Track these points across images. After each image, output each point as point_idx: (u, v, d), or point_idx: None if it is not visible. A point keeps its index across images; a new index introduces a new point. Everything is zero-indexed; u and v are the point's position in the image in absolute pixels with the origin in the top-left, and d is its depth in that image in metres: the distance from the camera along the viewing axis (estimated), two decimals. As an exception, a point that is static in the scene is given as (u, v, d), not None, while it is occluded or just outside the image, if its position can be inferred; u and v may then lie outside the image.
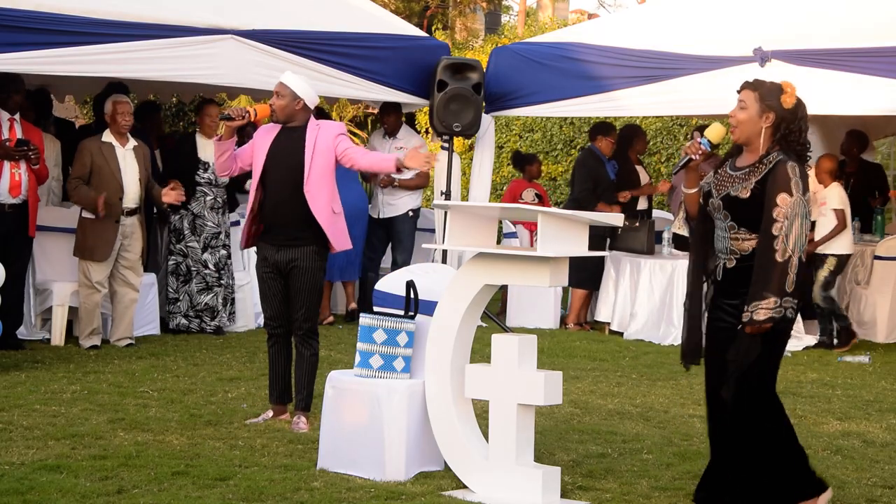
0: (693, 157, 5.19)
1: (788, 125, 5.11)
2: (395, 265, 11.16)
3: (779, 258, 4.93)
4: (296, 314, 6.81)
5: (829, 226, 10.70)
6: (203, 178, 10.27)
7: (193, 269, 10.27)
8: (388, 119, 11.52)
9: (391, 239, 11.53)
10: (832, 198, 10.72)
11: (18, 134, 9.00)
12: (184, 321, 10.24)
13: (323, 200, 6.74)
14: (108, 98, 9.67)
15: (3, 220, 8.86)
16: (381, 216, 11.48)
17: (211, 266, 10.29)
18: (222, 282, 10.32)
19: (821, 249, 10.67)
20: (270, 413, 6.92)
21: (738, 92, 5.19)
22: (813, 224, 10.87)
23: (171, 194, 9.41)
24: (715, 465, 5.31)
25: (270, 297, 6.90)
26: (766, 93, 5.12)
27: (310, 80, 7.03)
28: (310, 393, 6.85)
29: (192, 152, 10.27)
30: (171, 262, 10.28)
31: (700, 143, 5.19)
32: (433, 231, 11.73)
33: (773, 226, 4.96)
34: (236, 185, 10.81)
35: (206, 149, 10.29)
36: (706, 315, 5.27)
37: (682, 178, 12.37)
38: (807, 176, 5.08)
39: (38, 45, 8.64)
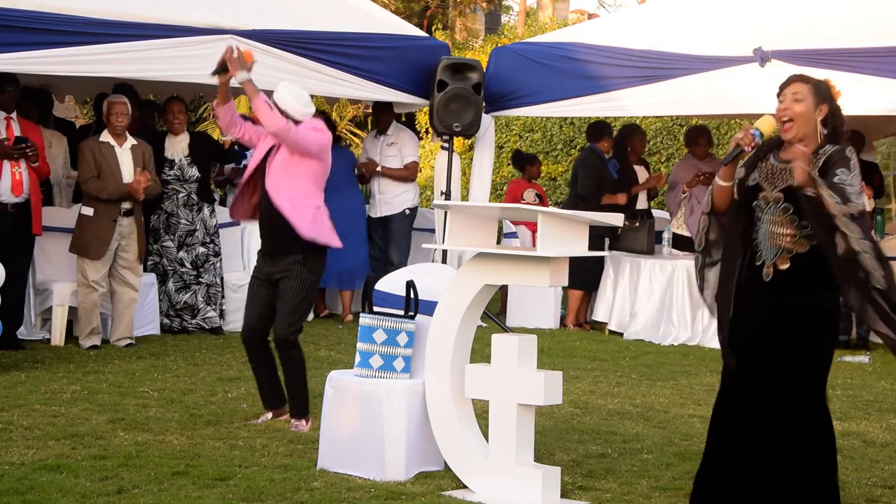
0: (746, 148, 4.98)
1: (836, 120, 4.99)
2: (391, 265, 11.17)
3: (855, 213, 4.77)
4: (277, 322, 6.75)
5: None
6: (170, 174, 10.25)
7: (169, 268, 10.26)
8: (381, 117, 11.60)
9: (387, 237, 11.55)
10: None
11: (16, 132, 8.99)
12: (165, 321, 10.24)
13: (285, 192, 6.63)
14: (108, 98, 9.69)
15: (5, 220, 8.85)
16: (378, 215, 11.51)
17: (187, 264, 10.27)
18: (202, 280, 10.30)
19: None
20: (270, 415, 6.92)
21: (786, 86, 5.01)
22: None
23: (137, 188, 9.33)
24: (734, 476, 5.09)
25: (252, 304, 6.88)
26: (818, 85, 5.00)
27: (300, 93, 6.83)
28: (300, 400, 6.78)
29: (160, 151, 10.26)
30: (149, 263, 10.27)
31: (752, 134, 4.98)
32: (433, 231, 11.72)
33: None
34: (209, 180, 10.85)
35: (173, 147, 10.32)
36: (741, 315, 5.06)
37: (680, 177, 12.40)
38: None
39: (38, 45, 8.64)
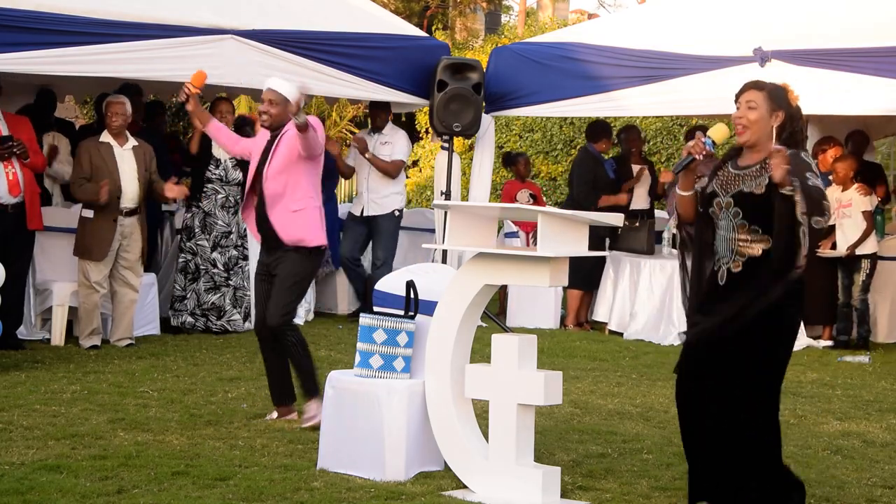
0: (697, 156, 5.06)
1: (794, 124, 5.07)
2: (376, 264, 11.17)
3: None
4: (268, 311, 6.76)
5: (855, 227, 10.74)
6: (214, 174, 10.28)
7: (202, 267, 10.26)
8: (379, 114, 11.52)
9: (373, 236, 11.43)
10: (862, 200, 10.76)
11: (3, 130, 8.97)
12: (189, 319, 10.23)
13: (281, 204, 6.73)
14: (108, 98, 9.69)
15: (5, 220, 8.84)
16: (364, 214, 11.39)
17: (220, 265, 10.28)
18: (231, 282, 10.31)
19: (853, 252, 10.73)
20: (275, 414, 6.92)
21: (741, 94, 5.09)
22: (832, 227, 10.91)
23: (174, 188, 9.45)
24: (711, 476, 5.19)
25: (259, 298, 6.94)
26: (772, 92, 5.07)
27: (291, 79, 6.90)
28: (307, 378, 6.76)
29: (207, 149, 10.30)
30: (180, 260, 10.28)
31: (704, 142, 5.07)
32: (433, 231, 11.72)
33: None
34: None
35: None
36: (699, 321, 5.17)
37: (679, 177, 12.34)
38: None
39: (38, 45, 8.64)
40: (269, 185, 6.76)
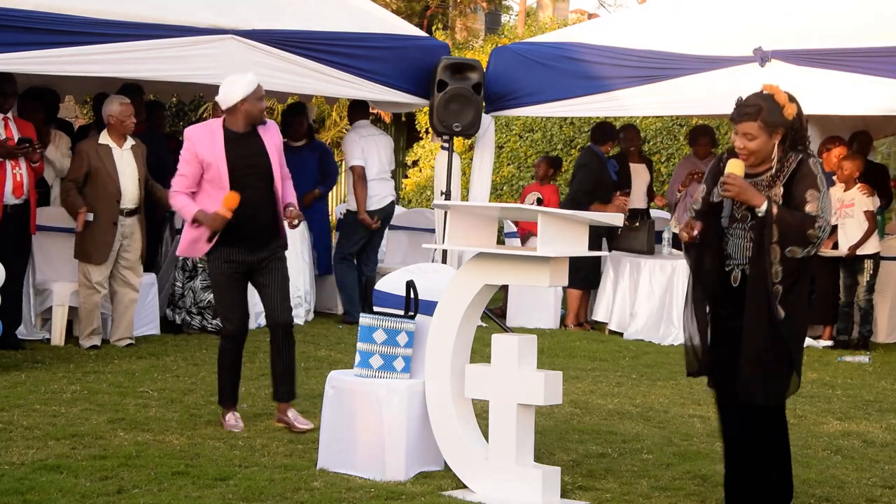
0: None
1: (795, 132, 5.08)
2: (367, 255, 11.25)
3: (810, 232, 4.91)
4: (278, 308, 6.69)
5: (858, 227, 10.74)
6: None
7: (200, 265, 10.26)
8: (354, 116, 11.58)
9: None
10: (864, 200, 10.76)
11: (14, 132, 8.99)
12: (187, 318, 10.24)
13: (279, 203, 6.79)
14: (113, 99, 9.51)
15: (6, 221, 8.85)
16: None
17: None
18: None
19: (854, 252, 10.73)
20: (238, 413, 6.83)
21: (737, 123, 5.06)
22: (834, 227, 10.91)
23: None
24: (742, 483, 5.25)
25: (236, 298, 6.75)
26: (768, 115, 5.03)
27: (226, 83, 6.71)
28: (294, 383, 6.82)
29: None
30: (179, 258, 10.28)
31: None
32: (433, 231, 11.72)
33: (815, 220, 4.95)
34: None
35: None
36: (717, 324, 5.20)
37: (682, 176, 12.32)
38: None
39: (38, 45, 8.64)
40: (278, 185, 6.74)
